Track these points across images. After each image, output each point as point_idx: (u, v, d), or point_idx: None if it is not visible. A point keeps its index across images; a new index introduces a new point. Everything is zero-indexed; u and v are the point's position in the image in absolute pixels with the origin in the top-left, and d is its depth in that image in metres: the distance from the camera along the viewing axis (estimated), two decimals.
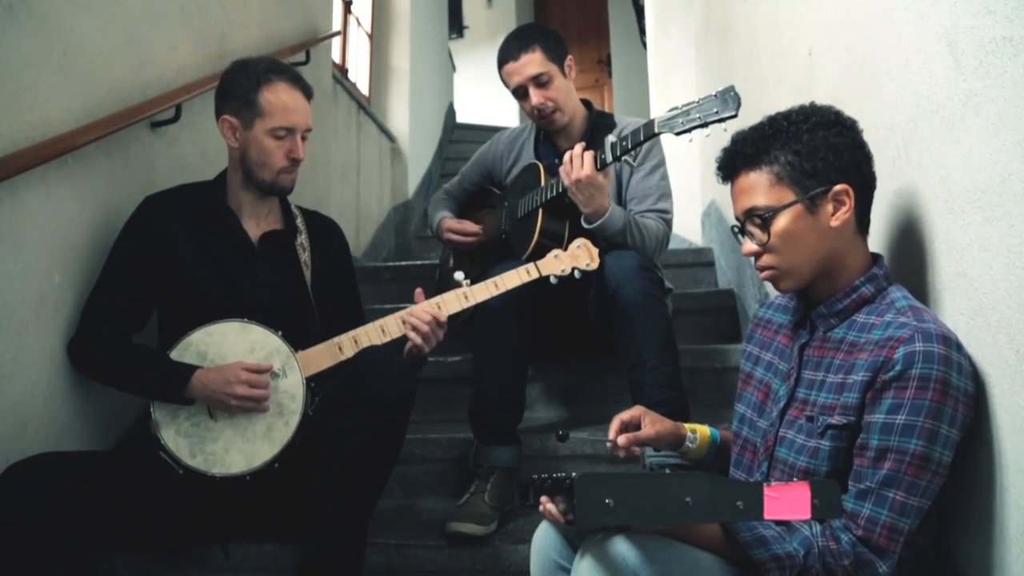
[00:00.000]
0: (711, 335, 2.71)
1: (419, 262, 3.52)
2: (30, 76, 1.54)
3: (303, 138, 1.72)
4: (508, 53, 2.12)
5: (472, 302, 1.71)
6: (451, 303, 1.69)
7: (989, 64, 1.01)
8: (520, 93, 2.13)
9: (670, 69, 4.64)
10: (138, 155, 1.92)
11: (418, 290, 1.71)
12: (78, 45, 1.69)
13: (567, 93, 2.15)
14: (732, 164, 1.24)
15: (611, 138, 1.90)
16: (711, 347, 2.38)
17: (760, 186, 1.19)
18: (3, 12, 1.47)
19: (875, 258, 1.22)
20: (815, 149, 1.17)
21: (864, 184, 1.20)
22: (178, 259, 1.68)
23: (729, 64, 2.88)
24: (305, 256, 1.77)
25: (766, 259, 1.20)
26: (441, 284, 2.45)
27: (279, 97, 1.67)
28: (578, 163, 1.88)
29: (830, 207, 1.17)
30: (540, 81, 2.09)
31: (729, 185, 1.26)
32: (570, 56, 2.16)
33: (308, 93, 1.74)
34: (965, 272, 1.11)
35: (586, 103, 2.25)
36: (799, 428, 1.19)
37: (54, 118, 1.60)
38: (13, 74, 1.50)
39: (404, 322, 1.65)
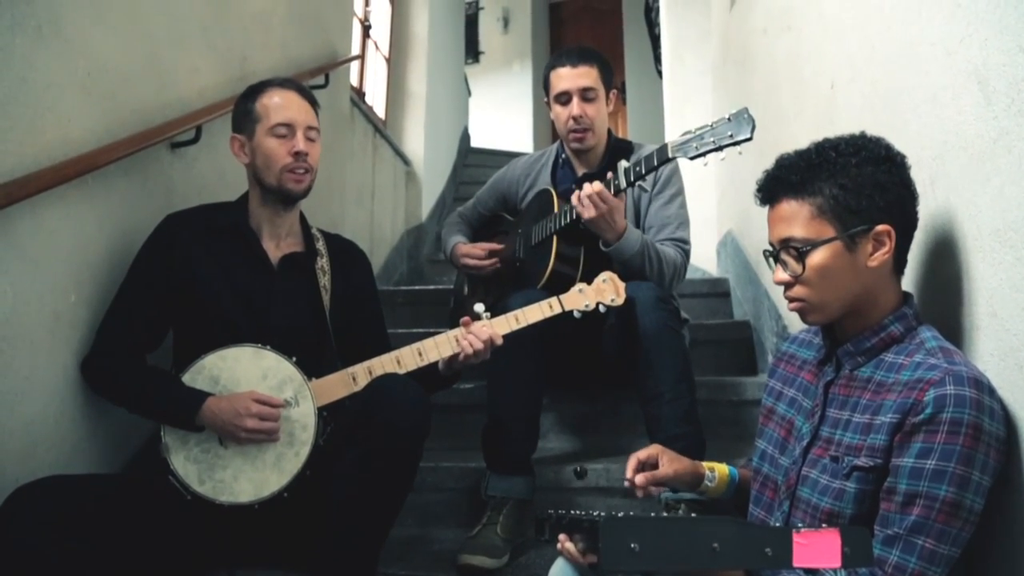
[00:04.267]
0: (727, 367, 2.68)
1: (432, 287, 3.51)
2: (54, 96, 1.55)
3: (310, 139, 1.70)
4: (567, 59, 2.16)
5: None
6: None
7: (1022, 102, 1.00)
8: (563, 99, 2.15)
9: (685, 98, 4.66)
10: (157, 175, 1.93)
11: (464, 319, 1.67)
12: (102, 65, 1.70)
13: (602, 119, 2.18)
14: (773, 189, 1.20)
15: (624, 163, 1.89)
16: (727, 379, 2.35)
17: (800, 217, 1.16)
18: (32, 32, 1.48)
19: (905, 297, 1.19)
20: (862, 185, 1.14)
21: (906, 225, 1.18)
22: (196, 279, 1.67)
23: (748, 95, 2.88)
24: (325, 280, 1.75)
25: (797, 291, 1.18)
26: (455, 312, 2.43)
27: (271, 99, 1.69)
28: (597, 199, 1.85)
29: (869, 247, 1.14)
30: (587, 96, 2.13)
31: (767, 208, 1.22)
32: (615, 91, 2.21)
33: (303, 93, 1.74)
34: (996, 312, 1.09)
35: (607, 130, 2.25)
36: (823, 468, 1.16)
37: (76, 138, 1.61)
38: (38, 93, 1.50)
39: (457, 339, 1.64)
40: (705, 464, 1.38)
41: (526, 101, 8.43)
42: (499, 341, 1.65)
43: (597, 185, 1.87)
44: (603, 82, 2.15)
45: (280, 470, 1.54)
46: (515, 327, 1.69)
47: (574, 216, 1.95)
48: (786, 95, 2.28)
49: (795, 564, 0.79)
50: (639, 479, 1.33)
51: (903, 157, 1.18)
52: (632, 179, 1.87)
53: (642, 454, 1.36)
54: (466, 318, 1.66)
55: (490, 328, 1.65)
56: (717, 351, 2.72)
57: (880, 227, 1.14)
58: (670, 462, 1.35)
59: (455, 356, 1.66)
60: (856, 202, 1.13)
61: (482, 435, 1.93)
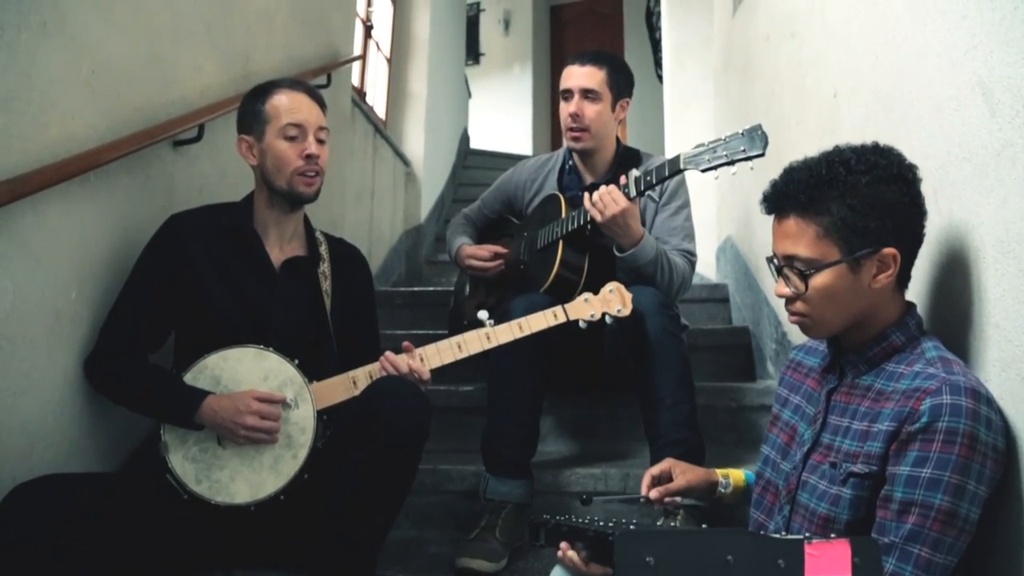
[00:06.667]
0: (725, 373, 2.68)
1: (431, 288, 3.51)
2: (58, 92, 1.54)
3: (320, 140, 1.70)
4: (579, 58, 2.17)
5: (494, 343, 1.68)
6: (472, 343, 1.67)
7: None
8: (565, 96, 2.16)
9: (686, 103, 4.66)
10: (159, 173, 1.92)
11: (406, 343, 1.65)
12: (106, 63, 1.69)
13: (604, 124, 2.14)
14: (780, 204, 1.18)
15: (635, 172, 1.88)
16: (726, 385, 2.35)
17: (805, 236, 1.15)
18: (36, 28, 1.48)
19: (908, 307, 1.20)
20: (871, 206, 1.12)
21: (912, 244, 1.17)
22: (199, 279, 1.66)
23: (749, 101, 2.88)
24: (327, 285, 1.75)
25: (799, 306, 1.18)
26: (455, 311, 2.43)
27: (281, 100, 1.68)
28: (609, 199, 1.85)
29: (874, 269, 1.13)
30: (587, 95, 2.12)
31: (772, 217, 1.21)
32: (628, 100, 2.19)
33: (313, 94, 1.73)
34: (998, 323, 1.09)
35: (615, 139, 2.24)
36: (821, 474, 1.16)
37: (79, 135, 1.60)
38: (42, 90, 1.50)
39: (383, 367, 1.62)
40: (719, 472, 1.39)
41: (526, 103, 8.43)
42: (425, 376, 1.62)
43: (612, 187, 1.86)
44: (611, 87, 2.13)
45: (277, 472, 1.54)
46: (519, 335, 1.68)
47: (582, 221, 1.94)
48: (788, 102, 2.28)
49: None
50: (654, 494, 1.35)
51: (915, 172, 1.17)
52: (643, 188, 1.86)
53: (655, 470, 1.38)
54: (407, 343, 1.65)
55: (410, 364, 1.61)
56: (715, 357, 2.72)
57: (886, 250, 1.13)
58: (683, 473, 1.37)
59: None
60: (864, 223, 1.12)
61: (482, 439, 1.93)
